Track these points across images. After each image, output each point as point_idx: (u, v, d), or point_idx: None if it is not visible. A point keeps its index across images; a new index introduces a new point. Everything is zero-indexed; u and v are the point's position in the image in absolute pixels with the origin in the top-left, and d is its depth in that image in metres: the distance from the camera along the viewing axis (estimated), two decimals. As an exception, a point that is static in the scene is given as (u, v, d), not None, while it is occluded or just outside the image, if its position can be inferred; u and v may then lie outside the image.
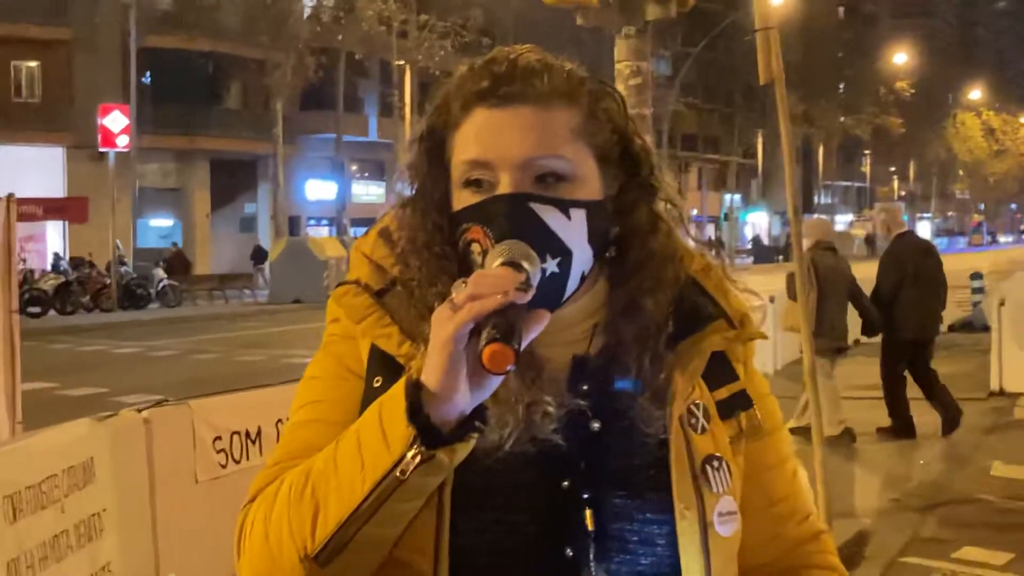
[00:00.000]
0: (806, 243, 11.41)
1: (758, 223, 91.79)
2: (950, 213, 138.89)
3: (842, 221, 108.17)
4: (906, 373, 12.05)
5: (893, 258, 11.92)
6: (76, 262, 38.60)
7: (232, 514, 1.67)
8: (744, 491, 1.73)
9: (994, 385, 14.58)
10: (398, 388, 1.49)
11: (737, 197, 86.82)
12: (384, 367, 1.65)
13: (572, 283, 1.63)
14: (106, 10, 44.16)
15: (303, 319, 30.95)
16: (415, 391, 1.46)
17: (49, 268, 35.13)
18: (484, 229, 1.60)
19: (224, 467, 5.88)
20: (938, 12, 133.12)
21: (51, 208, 44.09)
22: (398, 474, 1.45)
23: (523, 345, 1.43)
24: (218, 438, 5.92)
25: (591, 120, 1.68)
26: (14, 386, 7.16)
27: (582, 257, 1.63)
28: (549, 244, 1.59)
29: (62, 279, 35.19)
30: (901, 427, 11.80)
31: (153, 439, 5.59)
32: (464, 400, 1.46)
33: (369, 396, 1.63)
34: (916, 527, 8.49)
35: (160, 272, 38.92)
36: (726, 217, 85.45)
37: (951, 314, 23.09)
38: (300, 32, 45.98)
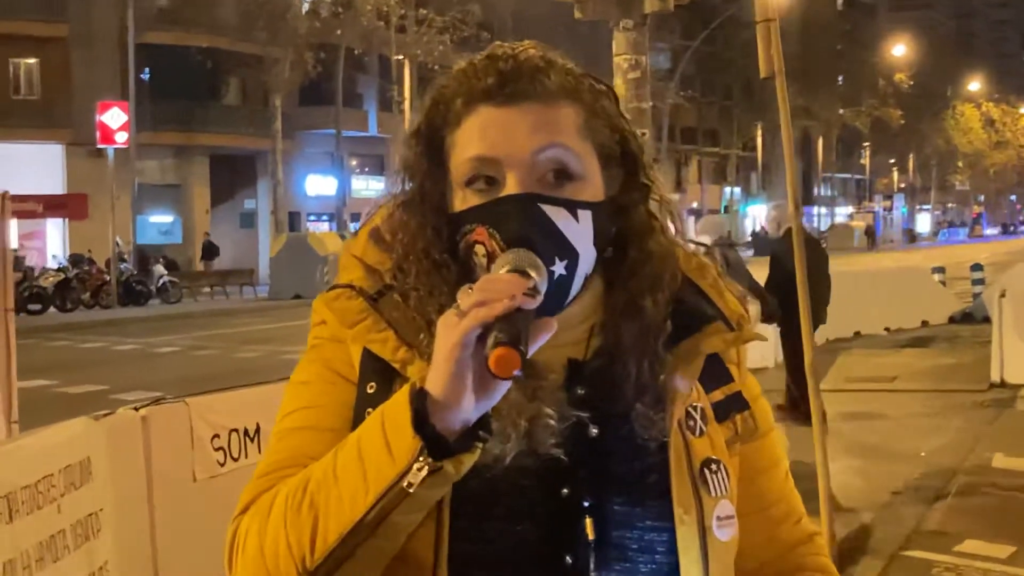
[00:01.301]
0: (707, 239, 11.67)
1: (758, 216, 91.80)
2: (950, 204, 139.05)
3: (842, 213, 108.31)
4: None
5: (787, 250, 12.23)
6: (76, 259, 38.60)
7: (231, 513, 1.64)
8: (739, 494, 1.71)
9: (995, 377, 14.56)
10: (401, 396, 1.45)
11: (737, 190, 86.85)
12: (378, 373, 1.61)
13: (576, 285, 1.60)
14: (104, 6, 44.18)
15: (303, 315, 30.62)
16: (419, 399, 1.42)
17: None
18: (490, 230, 1.56)
19: (223, 465, 5.85)
20: (936, 3, 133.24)
21: (51, 205, 44.36)
22: (404, 486, 1.41)
23: (530, 352, 1.39)
24: (216, 436, 5.89)
25: (593, 118, 1.65)
26: (10, 385, 7.12)
27: (587, 259, 1.60)
28: (558, 246, 1.56)
29: (62, 276, 35.18)
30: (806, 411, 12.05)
31: (151, 437, 5.57)
32: (469, 409, 1.42)
33: (362, 402, 1.60)
34: (918, 520, 8.47)
35: (160, 268, 38.95)
36: (726, 210, 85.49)
37: (952, 305, 23.16)
38: (299, 27, 45.98)
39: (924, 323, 21.76)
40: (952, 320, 22.22)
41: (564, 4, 8.87)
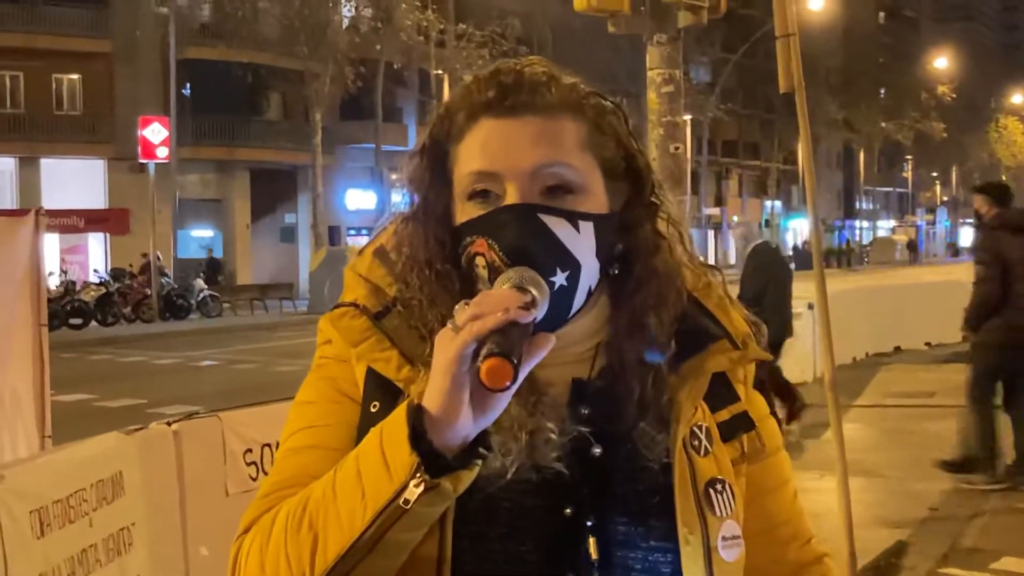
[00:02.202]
0: None
1: (800, 229, 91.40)
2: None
3: (884, 227, 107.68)
4: None
5: (757, 266, 12.33)
6: (117, 273, 38.83)
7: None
8: (745, 514, 1.70)
9: (1035, 392, 14.39)
10: (399, 413, 1.44)
11: (778, 203, 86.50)
12: (382, 391, 1.61)
13: (579, 298, 1.60)
14: (146, 22, 44.50)
15: (342, 329, 30.94)
16: (417, 416, 1.42)
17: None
18: (489, 242, 1.56)
19: (255, 479, 5.86)
20: (980, 16, 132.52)
21: (92, 220, 44.70)
22: (401, 503, 1.41)
23: (526, 365, 1.39)
24: (249, 450, 5.91)
25: (597, 133, 1.65)
26: (43, 400, 7.18)
27: (590, 271, 1.60)
28: (558, 256, 1.55)
29: (103, 291, 35.39)
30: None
31: (183, 452, 5.59)
32: (467, 425, 1.41)
33: (366, 421, 1.59)
34: (955, 537, 8.39)
35: (200, 282, 39.11)
36: (767, 224, 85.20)
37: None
38: (339, 43, 46.09)
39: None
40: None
41: (603, 18, 8.86)
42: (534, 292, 1.47)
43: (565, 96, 1.63)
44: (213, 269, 45.61)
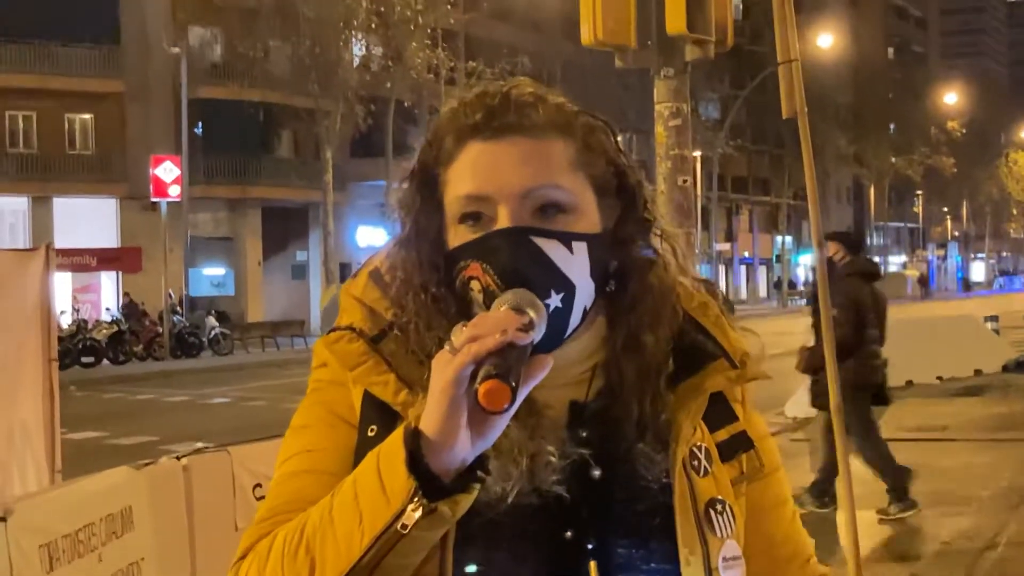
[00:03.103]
0: None
1: (811, 264, 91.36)
2: (1004, 253, 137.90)
3: (895, 262, 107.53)
4: None
5: None
6: (129, 311, 38.92)
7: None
8: (745, 534, 1.69)
9: (1049, 426, 14.39)
10: (396, 437, 1.43)
11: (788, 239, 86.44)
12: (379, 415, 1.60)
13: (575, 318, 1.59)
14: (158, 63, 44.73)
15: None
16: (414, 439, 1.41)
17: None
18: (483, 265, 1.56)
19: (264, 514, 5.85)
20: (988, 51, 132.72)
21: (105, 258, 44.84)
22: (399, 528, 1.40)
23: (524, 388, 1.39)
24: (258, 485, 5.90)
25: (586, 151, 1.64)
26: (53, 434, 7.19)
27: (584, 291, 1.59)
28: (552, 278, 1.55)
29: (115, 329, 35.48)
30: None
31: (192, 486, 5.60)
32: (465, 448, 1.40)
33: (363, 445, 1.58)
34: (968, 570, 8.36)
35: (212, 320, 39.16)
36: (778, 259, 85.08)
37: (1005, 353, 22.91)
38: (349, 81, 46.27)
39: (977, 372, 21.54)
40: (1006, 369, 21.98)
41: (612, 54, 8.86)
42: (531, 314, 1.46)
43: (553, 116, 1.62)
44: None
